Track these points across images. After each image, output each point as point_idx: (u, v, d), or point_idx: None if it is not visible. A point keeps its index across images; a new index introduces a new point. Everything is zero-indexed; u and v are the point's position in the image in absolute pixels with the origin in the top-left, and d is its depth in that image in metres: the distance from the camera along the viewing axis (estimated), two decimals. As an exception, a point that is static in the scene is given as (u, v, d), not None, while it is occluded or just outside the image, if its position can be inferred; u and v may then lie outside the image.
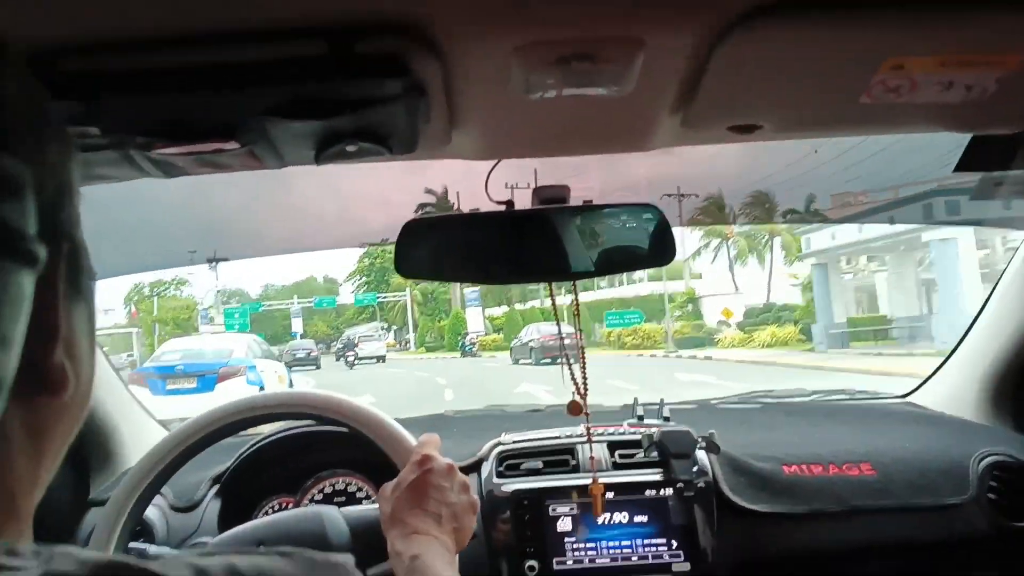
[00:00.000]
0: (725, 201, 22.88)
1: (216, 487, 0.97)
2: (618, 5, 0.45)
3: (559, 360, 0.85)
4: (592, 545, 0.91)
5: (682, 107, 0.58)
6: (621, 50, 0.49)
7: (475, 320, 23.89)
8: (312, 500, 0.99)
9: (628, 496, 0.93)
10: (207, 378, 7.20)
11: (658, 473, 0.94)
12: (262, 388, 6.52)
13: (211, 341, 10.19)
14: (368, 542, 0.67)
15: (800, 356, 13.59)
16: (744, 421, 1.19)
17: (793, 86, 0.55)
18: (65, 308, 0.28)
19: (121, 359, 14.62)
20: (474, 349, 20.60)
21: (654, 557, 0.91)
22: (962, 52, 0.50)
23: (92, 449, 1.00)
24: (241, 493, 0.97)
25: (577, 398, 0.81)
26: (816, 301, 16.91)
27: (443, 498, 0.61)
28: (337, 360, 19.78)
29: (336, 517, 0.73)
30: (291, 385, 8.69)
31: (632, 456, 0.98)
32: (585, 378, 0.81)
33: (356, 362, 18.11)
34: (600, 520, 0.91)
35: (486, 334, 22.92)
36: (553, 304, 0.82)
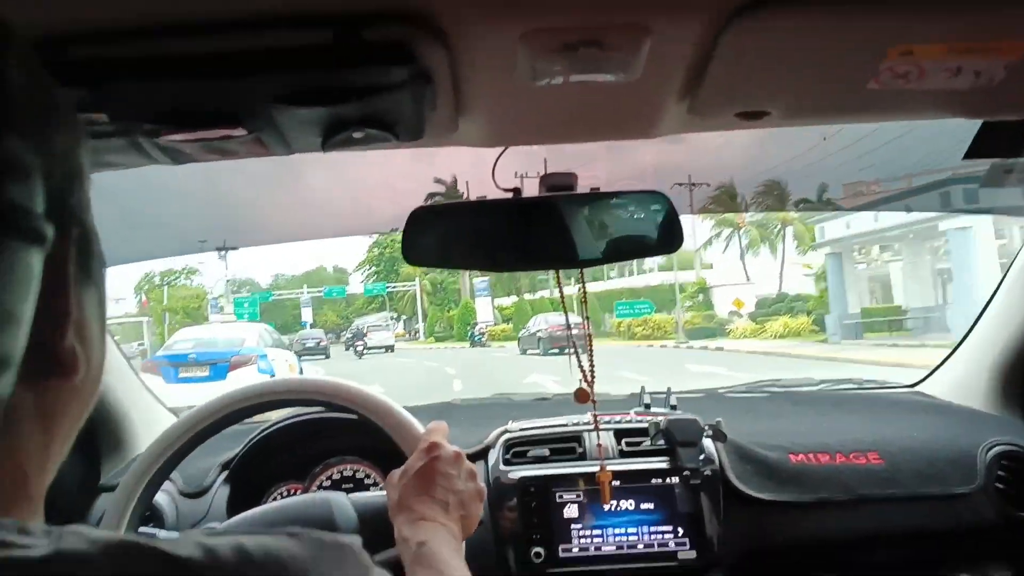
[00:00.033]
0: (737, 190, 22.60)
1: (225, 473, 0.97)
2: None
3: (567, 350, 0.84)
4: (598, 532, 0.92)
5: (689, 94, 0.58)
6: (627, 37, 0.49)
7: (484, 310, 23.94)
8: (320, 486, 0.99)
9: (634, 484, 0.93)
10: (219, 366, 7.29)
11: (664, 461, 0.95)
12: (273, 376, 6.55)
13: (223, 330, 10.30)
14: (375, 528, 0.68)
15: (813, 347, 13.46)
16: (751, 410, 1.19)
17: (801, 73, 0.55)
18: (76, 292, 0.28)
19: (132, 348, 14.74)
20: (483, 339, 20.64)
21: (660, 545, 0.91)
22: (970, 38, 0.49)
23: (102, 435, 1.01)
24: (250, 479, 0.98)
25: (584, 386, 0.81)
26: (830, 291, 16.70)
27: (450, 485, 0.61)
28: (347, 349, 19.94)
29: (344, 503, 0.74)
30: (301, 374, 8.79)
31: (639, 444, 0.98)
32: (592, 366, 0.81)
33: (365, 351, 18.20)
34: (606, 507, 0.92)
35: (495, 324, 22.95)
36: (561, 293, 0.82)
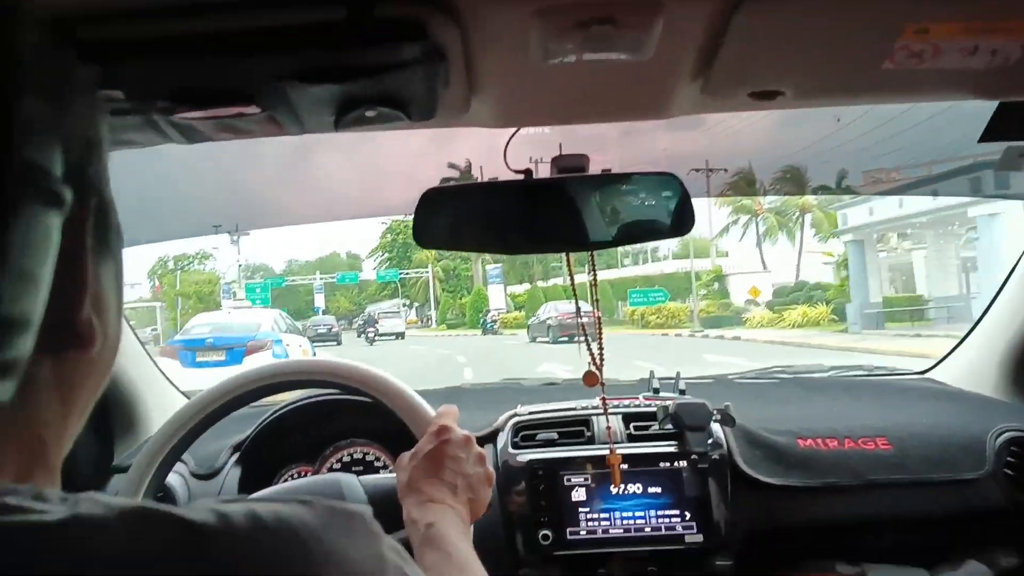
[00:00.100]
0: (755, 176, 22.20)
1: (236, 455, 0.99)
2: None
3: (576, 338, 0.84)
4: (606, 515, 0.92)
5: (702, 73, 0.57)
6: (640, 15, 0.48)
7: (497, 297, 23.99)
8: (330, 469, 1.00)
9: (642, 468, 0.93)
10: (235, 351, 7.42)
11: (673, 445, 0.95)
12: (287, 359, 6.67)
13: (239, 315, 10.50)
14: (385, 510, 0.68)
15: (833, 337, 13.25)
16: (760, 395, 1.19)
17: (814, 51, 0.54)
18: (93, 263, 0.28)
19: (145, 333, 14.89)
20: (495, 327, 20.69)
21: (667, 528, 0.92)
22: (986, 17, 0.49)
23: (116, 417, 1.02)
24: (261, 461, 0.99)
25: (593, 368, 0.81)
26: (851, 279, 16.39)
27: (459, 468, 0.61)
28: (359, 336, 20.10)
29: (354, 484, 0.74)
30: (315, 357, 8.89)
31: (647, 428, 0.98)
32: (601, 349, 0.81)
33: (376, 338, 18.35)
34: (614, 491, 0.92)
35: (508, 312, 23.00)
36: (571, 278, 0.81)
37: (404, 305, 28.10)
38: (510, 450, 0.96)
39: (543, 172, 0.74)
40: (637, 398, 1.04)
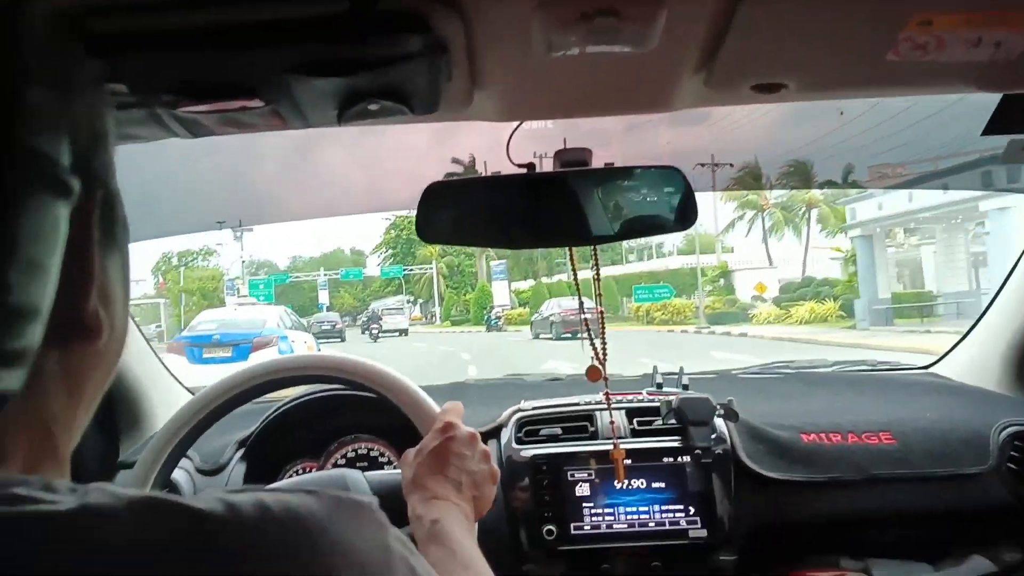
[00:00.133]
0: (761, 170, 22.06)
1: (242, 451, 0.99)
2: None
3: (579, 334, 0.84)
4: (610, 511, 0.92)
5: (705, 66, 0.57)
6: (643, 7, 0.48)
7: (501, 294, 24.00)
8: (335, 464, 1.01)
9: (646, 463, 0.93)
10: (242, 347, 7.48)
11: (676, 440, 0.95)
12: (292, 355, 6.70)
13: (245, 312, 10.57)
14: (390, 506, 0.68)
15: (841, 333, 13.13)
16: (763, 390, 1.19)
17: (818, 43, 0.54)
18: (100, 255, 0.28)
19: (149, 330, 15.02)
20: (500, 323, 20.69)
21: (671, 523, 0.92)
22: (990, 9, 0.48)
23: (121, 413, 1.02)
24: (266, 456, 0.99)
25: (596, 363, 0.81)
26: (859, 275, 16.25)
27: (464, 466, 0.61)
28: (363, 333, 20.04)
29: (360, 480, 0.75)
30: (319, 353, 8.93)
31: (650, 423, 0.99)
32: (604, 343, 0.81)
33: (380, 335, 18.40)
34: (618, 486, 0.92)
35: (512, 308, 23.00)
36: (574, 274, 0.81)
37: (408, 301, 28.13)
38: (514, 445, 0.97)
39: (546, 167, 0.74)
40: (640, 393, 1.04)
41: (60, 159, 0.25)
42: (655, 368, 1.09)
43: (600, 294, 0.81)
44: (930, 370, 1.26)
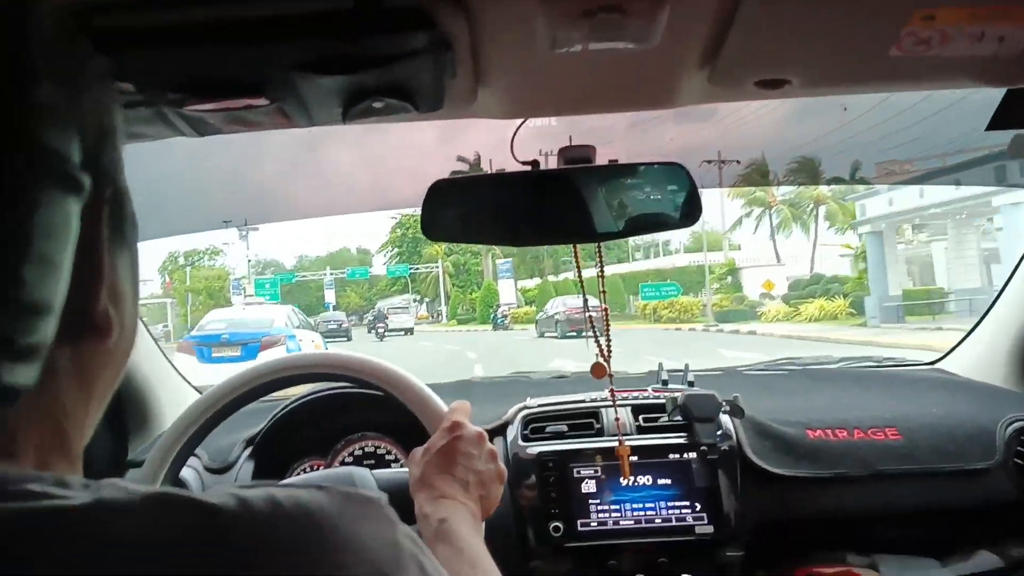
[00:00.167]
0: (768, 167, 21.89)
1: (250, 449, 0.99)
2: None
3: (584, 333, 0.84)
4: (616, 507, 0.92)
5: (708, 62, 0.57)
6: (646, 2, 0.48)
7: (507, 292, 23.96)
8: (342, 462, 1.01)
9: (652, 459, 0.93)
10: (250, 347, 7.54)
11: (682, 437, 0.95)
12: (300, 353, 6.74)
13: (253, 312, 10.65)
14: (397, 504, 0.68)
15: (852, 331, 12.96)
16: (768, 387, 1.19)
17: (821, 38, 0.54)
18: (109, 253, 0.28)
19: (156, 330, 15.09)
20: (506, 322, 20.66)
21: (677, 520, 0.92)
22: (993, 3, 0.48)
23: (129, 412, 1.03)
24: (274, 455, 1.00)
25: (600, 360, 0.81)
26: (870, 272, 16.04)
27: (470, 465, 0.61)
28: (369, 332, 20.07)
29: (367, 477, 0.75)
30: (327, 352, 8.99)
31: (656, 420, 0.99)
32: (609, 340, 0.81)
33: (386, 334, 18.45)
34: (624, 483, 0.92)
35: (519, 306, 22.98)
36: (578, 269, 0.81)
37: (415, 300, 28.17)
38: (520, 442, 0.97)
39: (551, 165, 0.74)
40: (646, 390, 1.04)
41: (71, 156, 0.25)
42: (660, 365, 1.09)
43: (604, 291, 0.81)
44: (936, 366, 1.26)
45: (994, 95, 0.64)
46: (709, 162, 20.15)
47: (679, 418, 0.95)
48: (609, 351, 0.81)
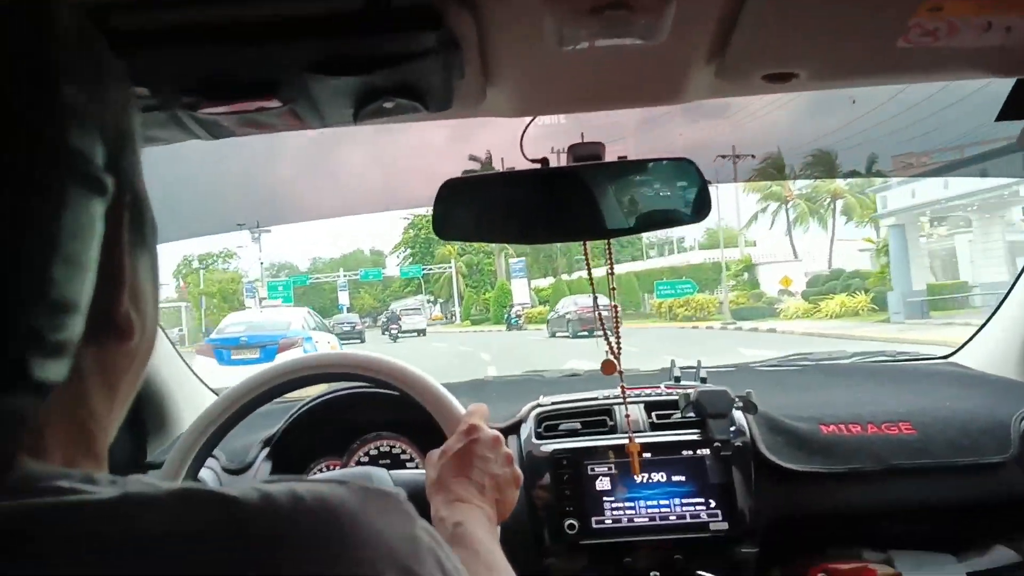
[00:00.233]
0: (784, 161, 21.54)
1: (267, 449, 1.00)
2: None
3: (596, 332, 0.84)
4: (630, 504, 0.92)
5: (716, 57, 0.57)
6: None
7: (521, 292, 23.92)
8: (358, 462, 1.02)
9: (665, 456, 0.93)
10: (269, 349, 7.65)
11: (695, 433, 0.95)
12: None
13: (270, 314, 10.82)
14: (414, 505, 0.69)
15: (875, 327, 12.61)
16: (781, 383, 1.19)
17: (828, 31, 0.54)
18: (130, 256, 0.29)
19: (172, 334, 15.22)
20: (520, 322, 20.59)
21: (692, 516, 0.92)
22: None
23: (148, 414, 1.04)
24: (291, 455, 1.00)
25: (611, 357, 0.81)
26: (892, 266, 15.61)
27: (487, 468, 0.61)
28: (383, 333, 20.11)
29: (385, 478, 0.75)
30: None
31: (669, 416, 0.98)
32: (619, 338, 0.81)
33: (400, 335, 18.55)
34: (638, 480, 0.92)
35: (532, 306, 22.93)
36: (588, 267, 0.81)
37: (428, 301, 28.24)
38: (534, 440, 0.97)
39: (561, 162, 0.74)
40: (659, 387, 1.04)
41: (94, 157, 0.26)
42: (672, 362, 1.09)
43: (614, 288, 0.81)
44: (950, 359, 1.24)
45: (1008, 85, 0.63)
46: (723, 157, 19.89)
47: (692, 414, 0.95)
48: (619, 348, 0.81)
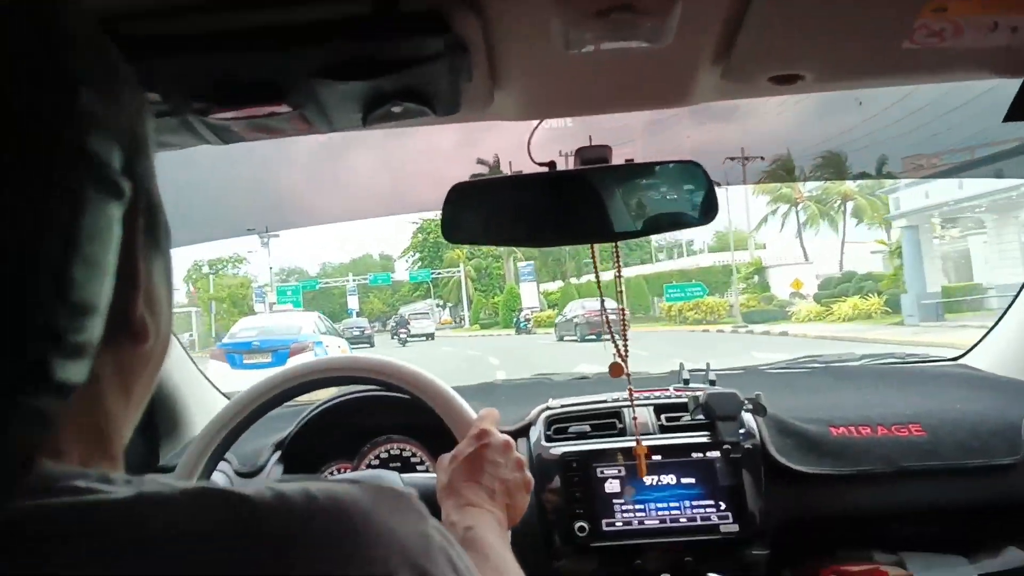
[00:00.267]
0: (794, 163, 21.36)
1: (278, 453, 1.00)
2: None
3: (604, 336, 0.85)
4: (640, 507, 0.92)
5: (722, 59, 0.57)
6: (659, 1, 0.48)
7: (530, 296, 23.90)
8: (369, 465, 1.02)
9: (675, 458, 0.93)
10: (280, 353, 7.69)
11: (705, 436, 0.95)
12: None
13: (282, 318, 10.90)
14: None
15: (889, 330, 12.45)
16: (790, 385, 1.18)
17: (833, 32, 0.54)
18: (145, 260, 0.29)
19: (183, 339, 15.33)
20: (529, 326, 20.55)
21: (702, 519, 0.91)
22: None
23: (160, 418, 1.05)
24: (302, 458, 1.01)
25: (618, 359, 0.81)
26: (906, 268, 15.37)
27: (497, 473, 0.62)
28: (392, 338, 20.11)
29: (396, 481, 0.75)
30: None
31: (678, 419, 0.98)
32: (626, 340, 0.81)
33: (408, 339, 18.56)
34: (648, 482, 0.92)
35: (541, 310, 22.88)
36: (596, 270, 0.82)
37: (438, 305, 28.26)
38: (543, 443, 0.97)
39: (569, 166, 0.74)
40: (668, 389, 1.03)
41: (111, 161, 0.26)
42: (681, 364, 1.09)
43: (621, 291, 0.81)
44: (960, 361, 1.24)
45: (1015, 86, 0.62)
46: (733, 159, 19.78)
47: (701, 417, 0.95)
48: (626, 351, 0.81)
